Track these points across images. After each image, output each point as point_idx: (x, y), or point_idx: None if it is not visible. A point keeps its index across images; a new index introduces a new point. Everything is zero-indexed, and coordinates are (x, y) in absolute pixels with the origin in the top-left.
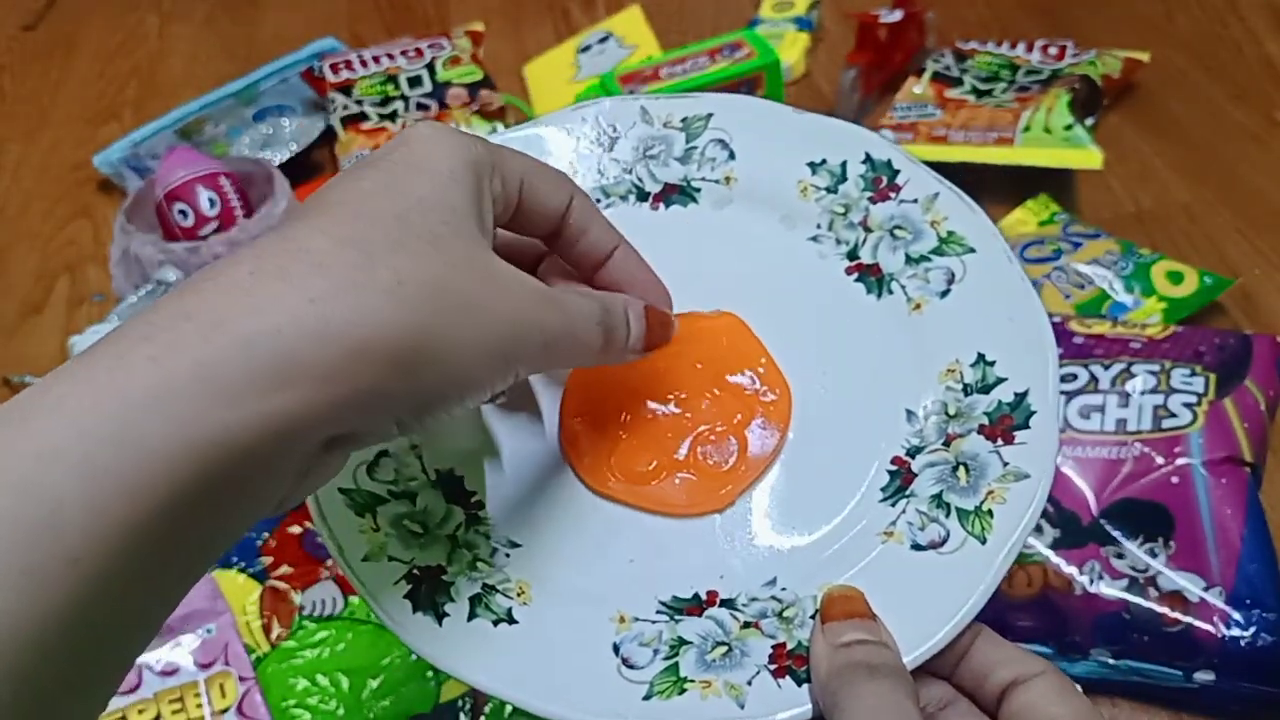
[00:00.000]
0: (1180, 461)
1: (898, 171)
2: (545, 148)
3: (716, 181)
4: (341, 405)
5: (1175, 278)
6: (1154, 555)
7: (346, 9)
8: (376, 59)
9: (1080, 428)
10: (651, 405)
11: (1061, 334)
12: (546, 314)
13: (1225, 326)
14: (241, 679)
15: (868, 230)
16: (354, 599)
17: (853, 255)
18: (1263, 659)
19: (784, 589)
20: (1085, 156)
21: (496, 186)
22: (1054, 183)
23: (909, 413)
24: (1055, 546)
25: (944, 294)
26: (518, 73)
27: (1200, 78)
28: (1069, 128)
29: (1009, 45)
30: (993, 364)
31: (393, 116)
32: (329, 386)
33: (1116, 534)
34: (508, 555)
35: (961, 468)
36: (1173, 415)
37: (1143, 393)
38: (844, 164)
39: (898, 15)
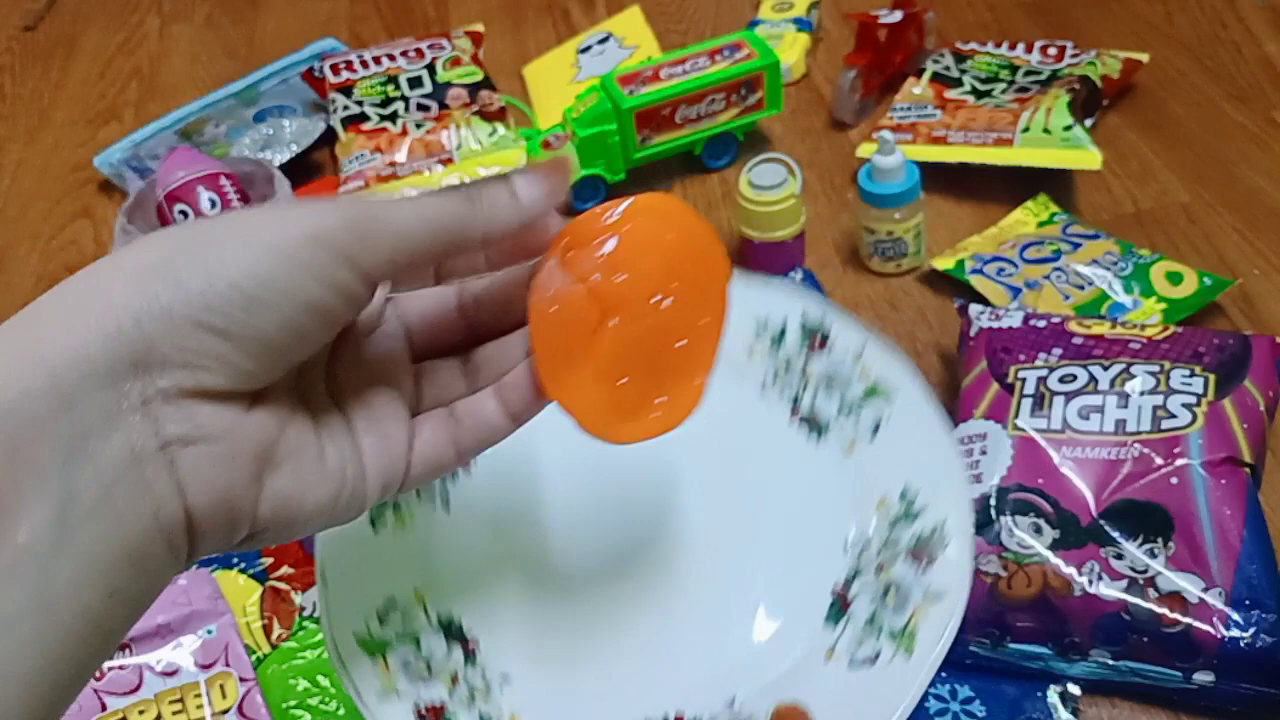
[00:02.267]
0: (1179, 462)
1: (830, 328)
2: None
3: None
4: (104, 319)
5: (1174, 278)
6: (1153, 556)
7: (347, 10)
8: (377, 60)
9: (1079, 428)
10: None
11: (1061, 334)
12: (336, 203)
13: (1224, 327)
14: (242, 680)
15: (806, 382)
16: None
17: (794, 404)
18: (1262, 660)
19: (742, 706)
20: (1084, 157)
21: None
22: (1053, 183)
23: (844, 544)
24: (1054, 547)
25: (873, 436)
26: (518, 73)
27: (1199, 78)
28: (1068, 128)
29: (1008, 46)
30: (915, 497)
31: (393, 117)
32: (81, 308)
33: (1116, 534)
34: (500, 689)
35: (891, 590)
36: (1172, 416)
37: (1142, 393)
38: (784, 322)
39: (897, 16)
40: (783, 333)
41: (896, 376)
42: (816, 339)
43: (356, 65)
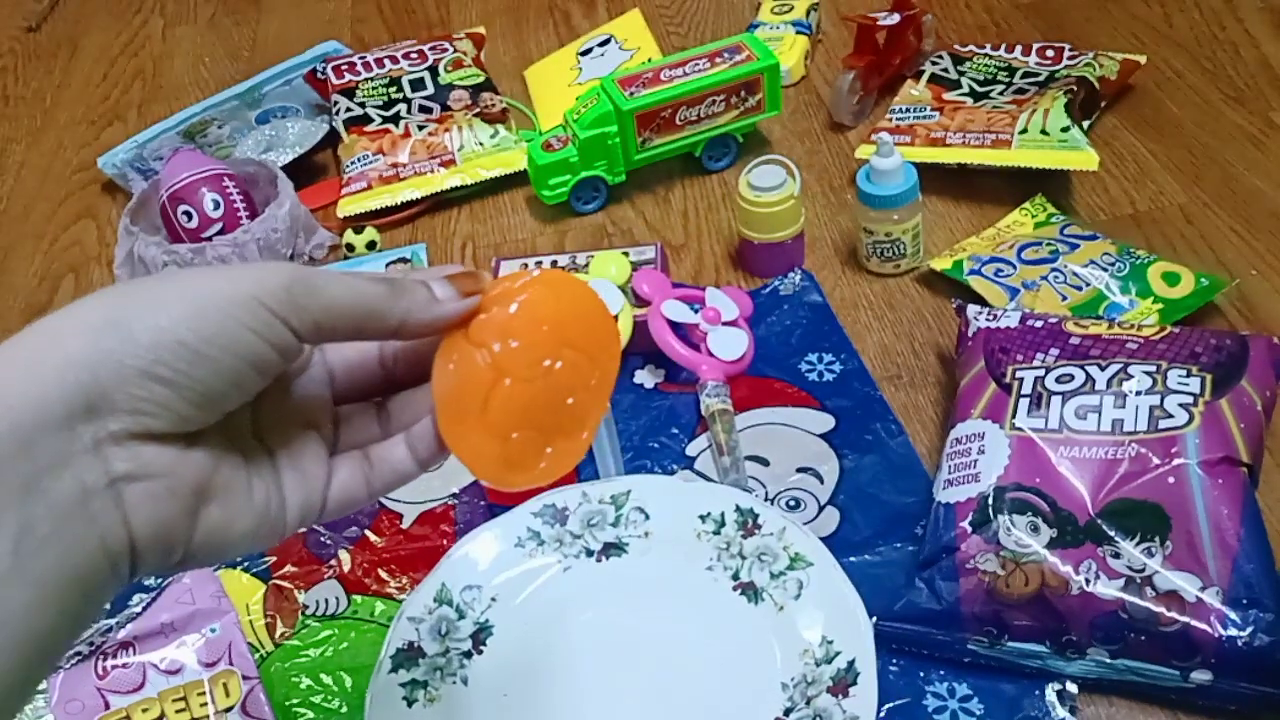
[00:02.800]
0: (1177, 462)
1: (758, 515)
2: (513, 535)
3: (639, 537)
4: (61, 368)
5: (1172, 279)
6: (1150, 555)
7: (350, 12)
8: (379, 62)
9: (1077, 428)
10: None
11: (1058, 335)
12: (288, 270)
13: (1222, 327)
14: (245, 678)
15: (743, 558)
16: (357, 598)
17: (735, 577)
18: (1259, 659)
19: None
20: (1082, 158)
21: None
22: (1051, 184)
23: (782, 684)
24: (1052, 546)
25: (797, 597)
26: (519, 75)
27: (1197, 80)
28: (1066, 130)
29: (1006, 48)
30: (832, 643)
31: (395, 119)
32: (39, 359)
33: (1113, 534)
34: None
35: (819, 717)
36: (1169, 416)
37: (1139, 393)
38: (723, 514)
39: (896, 18)
40: (722, 521)
41: (812, 548)
42: (749, 524)
43: (359, 67)
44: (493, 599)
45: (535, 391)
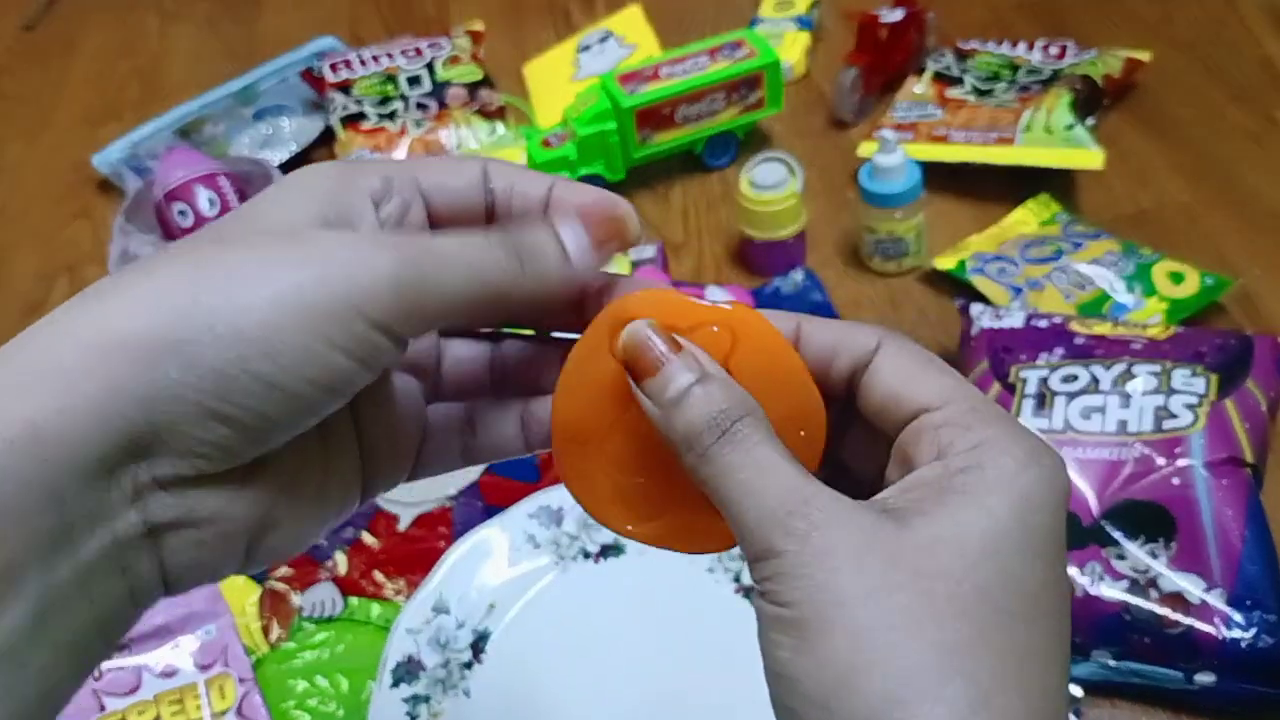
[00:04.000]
0: (1181, 462)
1: None
2: (510, 538)
3: None
4: (105, 401)
5: (1176, 278)
6: (1155, 556)
7: (346, 8)
8: (376, 58)
9: (1081, 429)
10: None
11: (1062, 334)
12: (377, 253)
13: (1226, 327)
14: (241, 680)
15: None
16: (353, 600)
17: (736, 579)
18: (1263, 660)
19: None
20: (1086, 156)
21: (374, 184)
22: (1055, 182)
23: None
24: None
25: None
26: (517, 72)
27: (1200, 78)
28: (1070, 128)
29: (1009, 45)
30: None
31: (392, 116)
32: (80, 386)
33: (1117, 535)
34: None
35: None
36: (1174, 416)
37: (1144, 393)
38: None
39: (898, 15)
40: None
41: None
42: None
43: (355, 64)
44: (491, 605)
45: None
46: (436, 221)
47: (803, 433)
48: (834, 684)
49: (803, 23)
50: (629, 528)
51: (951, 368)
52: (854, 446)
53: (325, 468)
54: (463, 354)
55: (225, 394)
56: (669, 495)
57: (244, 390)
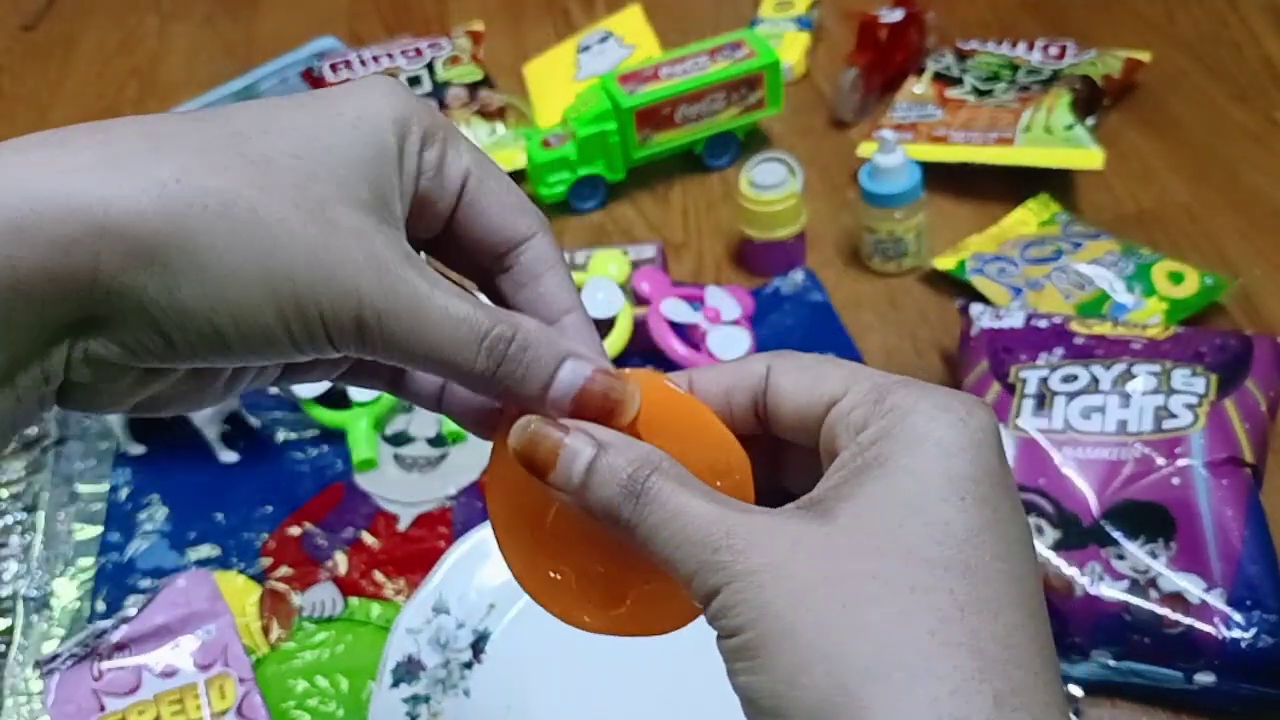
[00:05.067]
0: (1181, 462)
1: None
2: None
3: None
4: (81, 280)
5: (1176, 278)
6: (1155, 556)
7: (346, 8)
8: (376, 58)
9: (1081, 429)
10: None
11: (1062, 334)
12: (372, 281)
13: (1226, 327)
14: (241, 680)
15: None
16: (353, 600)
17: None
18: (1263, 660)
19: None
20: (1086, 156)
21: (430, 158)
22: (1055, 182)
23: None
24: (1056, 548)
25: None
26: (517, 72)
27: (1201, 78)
28: (1070, 128)
29: (1009, 45)
30: None
31: None
32: (66, 257)
33: (1117, 535)
34: None
35: None
36: (1174, 416)
37: (1144, 393)
38: None
39: (898, 15)
40: None
41: None
42: None
43: (355, 64)
44: (491, 605)
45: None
46: (453, 225)
47: (728, 475)
48: (785, 688)
49: (803, 23)
50: (603, 618)
51: (845, 360)
52: (794, 474)
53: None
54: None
55: (181, 325)
56: (627, 573)
57: (196, 330)
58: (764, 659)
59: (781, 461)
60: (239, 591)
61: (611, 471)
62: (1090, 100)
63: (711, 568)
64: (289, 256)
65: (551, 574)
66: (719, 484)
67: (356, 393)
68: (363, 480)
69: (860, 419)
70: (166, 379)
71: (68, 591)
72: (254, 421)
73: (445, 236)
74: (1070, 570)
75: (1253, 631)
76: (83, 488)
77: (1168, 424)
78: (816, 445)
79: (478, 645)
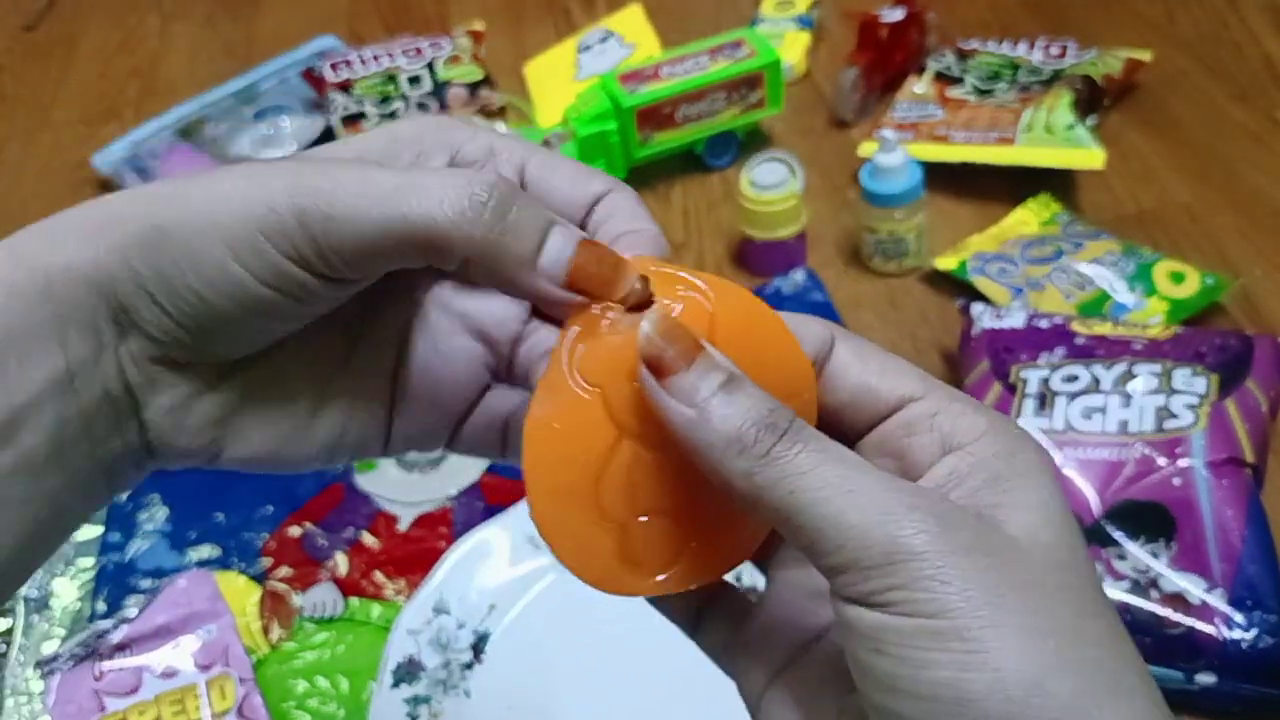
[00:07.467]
0: (1182, 462)
1: None
2: (510, 538)
3: None
4: (103, 269)
5: (1177, 278)
6: (1155, 556)
7: (346, 8)
8: (376, 58)
9: (1082, 429)
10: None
11: (1063, 334)
12: (273, 178)
13: (1227, 327)
14: (241, 681)
15: None
16: (354, 600)
17: (738, 580)
18: (1264, 661)
19: None
20: (1087, 156)
21: (467, 147)
22: (1055, 182)
23: None
24: None
25: None
26: (518, 72)
27: (1201, 78)
28: (1070, 127)
29: (1010, 44)
30: None
31: (392, 116)
32: (86, 252)
33: (1118, 535)
34: None
35: None
36: (1174, 416)
37: (1145, 393)
38: None
39: (899, 14)
40: None
41: None
42: None
43: (356, 64)
44: (491, 606)
45: (676, 464)
46: None
47: (799, 396)
48: (1024, 692)
49: (803, 22)
50: (652, 581)
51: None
52: None
53: (321, 395)
54: (548, 341)
55: (168, 295)
56: (684, 526)
57: (178, 295)
58: (988, 652)
59: None
60: (239, 592)
61: (757, 396)
62: (1091, 100)
63: (903, 530)
64: (233, 182)
65: (597, 539)
66: (793, 405)
67: None
68: (363, 480)
69: (948, 428)
70: (245, 417)
71: (68, 592)
72: None
73: None
74: None
75: (1253, 632)
76: None
77: (1169, 424)
78: (855, 426)
79: (478, 646)
